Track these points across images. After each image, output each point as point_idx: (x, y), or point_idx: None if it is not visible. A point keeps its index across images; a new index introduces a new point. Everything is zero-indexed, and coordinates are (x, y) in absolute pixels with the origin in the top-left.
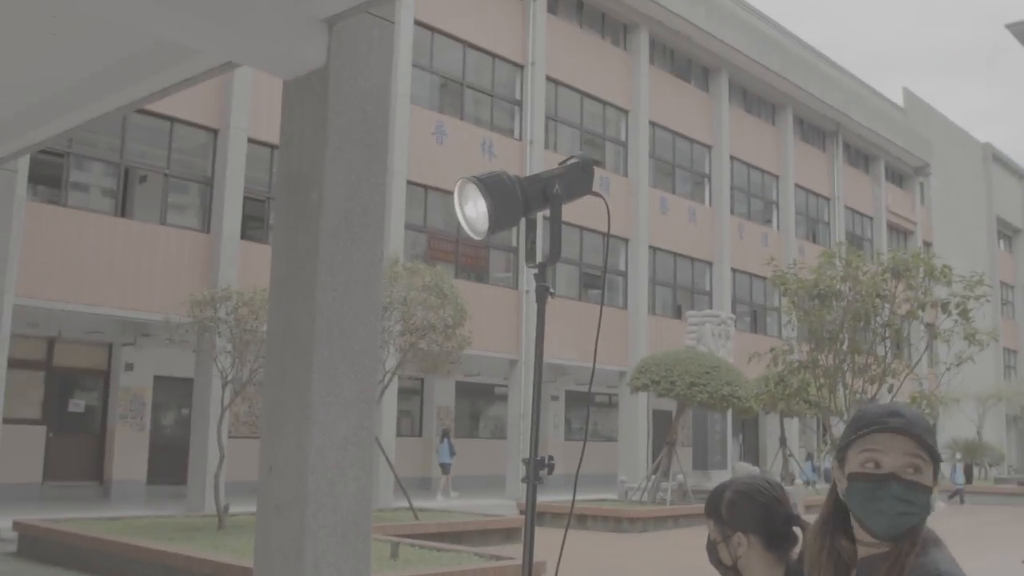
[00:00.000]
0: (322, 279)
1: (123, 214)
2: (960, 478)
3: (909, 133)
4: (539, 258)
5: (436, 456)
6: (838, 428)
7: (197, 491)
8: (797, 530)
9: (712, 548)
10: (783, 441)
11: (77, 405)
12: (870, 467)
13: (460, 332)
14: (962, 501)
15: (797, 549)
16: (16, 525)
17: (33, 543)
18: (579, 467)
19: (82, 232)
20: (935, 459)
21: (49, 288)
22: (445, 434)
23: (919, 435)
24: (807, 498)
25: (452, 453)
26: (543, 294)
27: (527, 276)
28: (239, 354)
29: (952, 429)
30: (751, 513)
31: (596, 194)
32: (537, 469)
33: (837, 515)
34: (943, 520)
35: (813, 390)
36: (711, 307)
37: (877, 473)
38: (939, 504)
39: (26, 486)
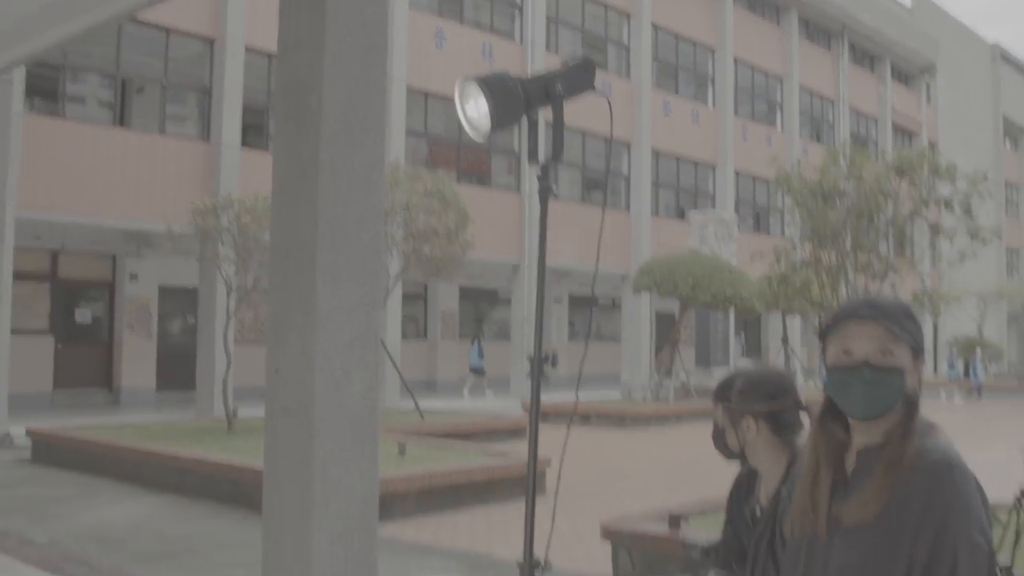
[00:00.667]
0: (324, 185)
1: (121, 124)
2: (980, 374)
3: (916, 32)
4: (541, 158)
5: (468, 359)
6: None
7: (205, 397)
8: (804, 417)
9: (719, 434)
10: (785, 339)
11: (83, 316)
12: (843, 357)
13: (463, 237)
14: (980, 396)
15: (804, 435)
16: (29, 432)
17: (47, 449)
18: (582, 364)
19: (81, 144)
20: (911, 342)
21: (50, 200)
22: (475, 338)
23: (886, 322)
24: (808, 395)
25: (481, 356)
26: (546, 194)
27: (529, 180)
28: (243, 262)
29: (953, 327)
30: (760, 399)
31: (598, 91)
32: (541, 364)
33: (833, 406)
34: (946, 414)
35: (815, 288)
36: (714, 208)
37: (849, 362)
38: (957, 400)
39: (37, 395)
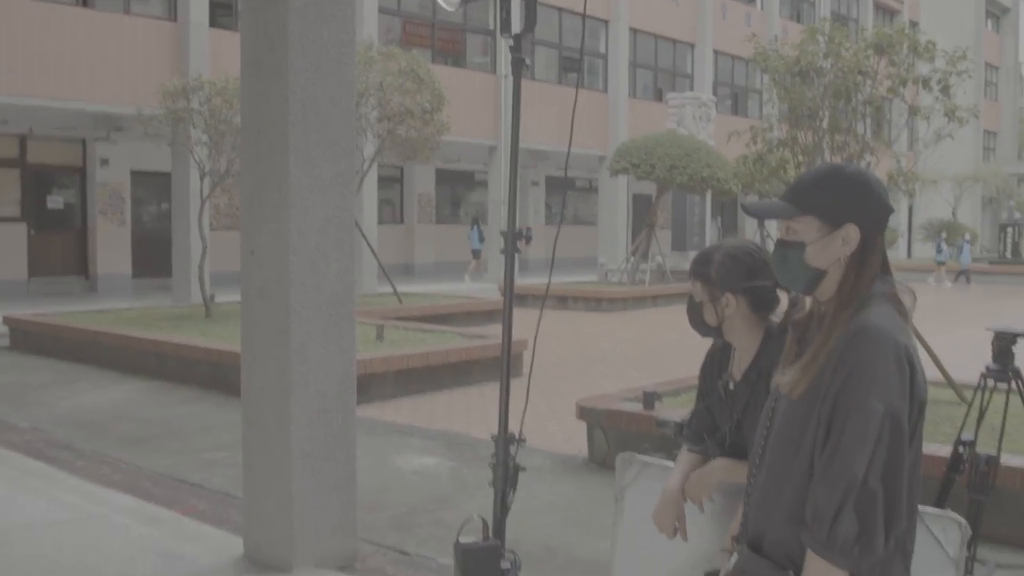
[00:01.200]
0: (293, 60)
1: (84, 3)
2: (967, 258)
3: None
4: (514, 29)
5: (468, 242)
6: None
7: (182, 283)
8: (780, 294)
9: (696, 309)
10: (761, 221)
11: (56, 202)
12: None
13: (438, 118)
14: (968, 281)
15: (780, 310)
16: (7, 320)
17: (25, 336)
18: (555, 245)
19: (44, 24)
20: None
21: (14, 83)
22: (475, 221)
23: (789, 197)
24: None
25: (481, 239)
26: (519, 66)
27: (505, 60)
28: (215, 145)
29: (929, 210)
30: (740, 275)
31: None
32: (515, 240)
33: None
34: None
35: (792, 168)
36: (692, 90)
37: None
38: (946, 284)
39: (12, 283)
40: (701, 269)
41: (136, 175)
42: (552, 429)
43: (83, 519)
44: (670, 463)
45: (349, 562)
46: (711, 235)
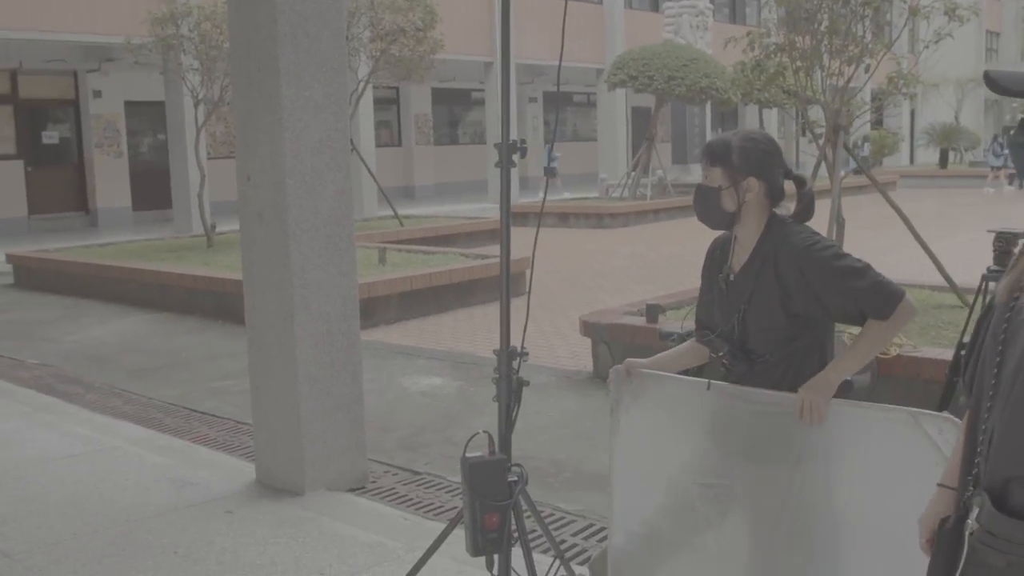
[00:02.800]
0: None
1: None
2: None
3: None
4: None
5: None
6: (814, 113)
7: (182, 213)
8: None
9: (713, 195)
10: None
11: (51, 137)
12: None
13: (431, 35)
14: (1011, 183)
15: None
16: (10, 257)
17: (28, 274)
18: (549, 159)
19: None
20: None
21: (1, 17)
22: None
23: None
24: None
25: (553, 158)
26: None
27: None
28: (207, 71)
29: (930, 114)
30: (761, 159)
31: None
32: (510, 152)
33: None
34: (913, 203)
35: (790, 75)
36: None
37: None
38: (1006, 188)
39: (13, 220)
40: (720, 155)
41: (130, 105)
42: (556, 346)
43: (97, 451)
44: (664, 373)
45: (360, 483)
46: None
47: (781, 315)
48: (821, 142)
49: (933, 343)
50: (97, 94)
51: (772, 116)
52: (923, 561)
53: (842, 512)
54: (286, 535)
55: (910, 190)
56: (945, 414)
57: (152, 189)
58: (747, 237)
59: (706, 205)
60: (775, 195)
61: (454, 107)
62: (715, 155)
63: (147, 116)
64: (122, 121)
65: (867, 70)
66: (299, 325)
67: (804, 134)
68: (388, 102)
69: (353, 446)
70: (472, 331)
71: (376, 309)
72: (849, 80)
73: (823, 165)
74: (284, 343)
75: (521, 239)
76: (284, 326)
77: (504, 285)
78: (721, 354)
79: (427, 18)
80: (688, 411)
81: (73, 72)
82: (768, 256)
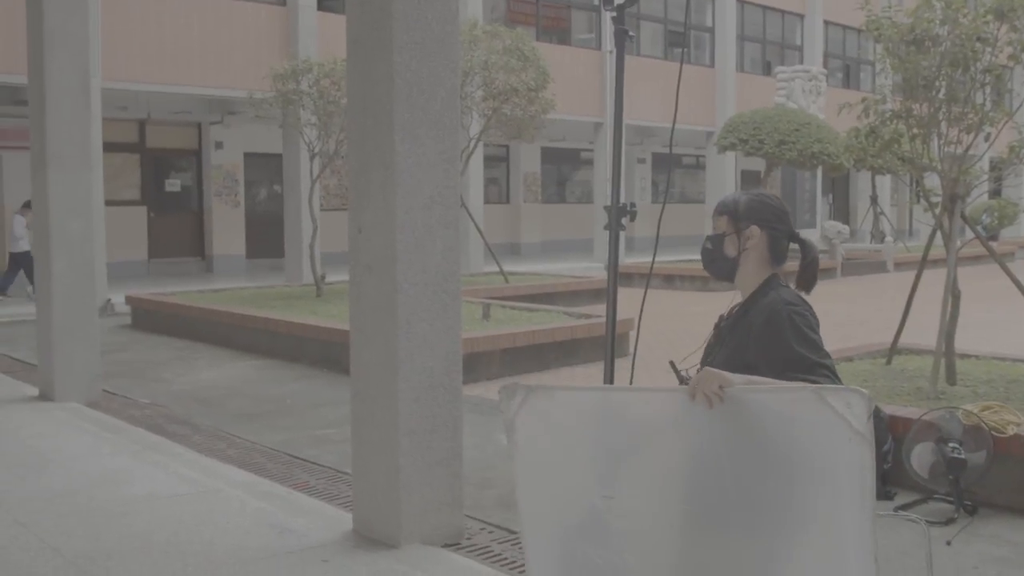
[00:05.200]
0: (398, 37)
1: None
2: None
3: None
4: (617, 0)
5: None
6: (930, 180)
7: (294, 262)
8: (794, 247)
9: (716, 242)
10: (874, 199)
11: (173, 185)
12: None
13: (543, 95)
14: None
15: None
16: (128, 299)
17: (145, 315)
18: (660, 221)
19: (158, 11)
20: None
21: (133, 70)
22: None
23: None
24: (896, 255)
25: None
26: (622, 37)
27: (609, 36)
28: (324, 126)
29: None
30: (766, 212)
31: None
32: (620, 215)
33: None
34: None
35: (906, 142)
36: (802, 62)
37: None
38: None
39: (133, 263)
40: (728, 207)
41: (249, 157)
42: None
43: (201, 492)
44: (553, 384)
45: (456, 539)
46: (822, 212)
47: (739, 363)
48: (937, 211)
49: None
50: (219, 145)
51: (885, 183)
52: (844, 536)
53: (760, 501)
54: None
55: None
56: (853, 387)
57: (266, 238)
58: (745, 289)
59: (710, 252)
60: (777, 253)
61: (563, 166)
62: (724, 206)
63: (265, 167)
64: (241, 172)
65: (987, 139)
66: (402, 378)
67: (918, 202)
68: (498, 160)
69: (450, 501)
70: None
71: (478, 364)
72: (968, 148)
73: (938, 235)
74: (387, 395)
75: (626, 299)
76: (388, 378)
77: (609, 345)
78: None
79: (539, 79)
80: (583, 421)
81: (197, 124)
82: (752, 308)
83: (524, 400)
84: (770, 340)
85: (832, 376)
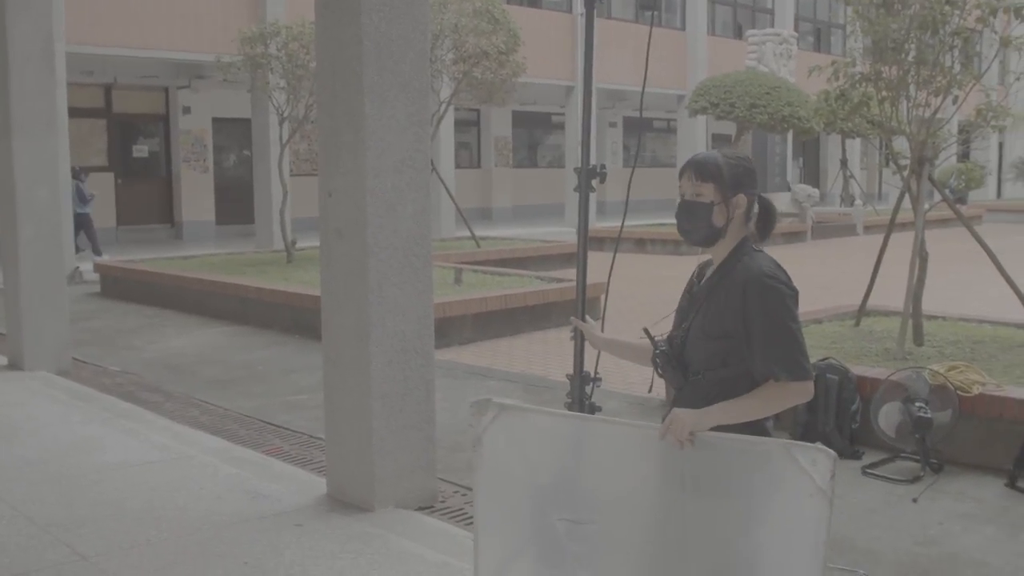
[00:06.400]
0: (366, 0)
1: None
2: None
3: None
4: None
5: None
6: (899, 144)
7: (264, 228)
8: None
9: (703, 211)
10: (844, 162)
11: (141, 151)
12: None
13: (514, 59)
14: None
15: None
16: (97, 267)
17: (114, 283)
18: (629, 185)
19: None
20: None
21: (98, 33)
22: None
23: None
24: (866, 218)
25: None
26: (591, 3)
27: None
28: (293, 90)
29: (1020, 147)
30: (746, 178)
31: None
32: (590, 177)
33: None
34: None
35: (875, 105)
36: (773, 26)
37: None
38: None
39: (102, 230)
40: (711, 171)
41: (217, 122)
42: (629, 372)
43: (173, 459)
44: (527, 405)
45: (429, 502)
46: (793, 175)
47: (718, 330)
48: (906, 174)
49: (1018, 382)
50: (186, 110)
51: (855, 146)
52: None
53: (717, 545)
54: (354, 550)
55: (996, 225)
56: (818, 444)
57: (236, 204)
58: (719, 254)
59: (695, 220)
60: (750, 216)
61: (534, 130)
62: (706, 171)
63: (233, 132)
64: (209, 137)
65: (955, 101)
66: (374, 342)
67: (888, 165)
68: (469, 124)
69: (423, 465)
70: (545, 354)
71: (450, 329)
72: (936, 111)
73: (907, 198)
74: (359, 360)
75: (597, 264)
76: (359, 343)
77: (580, 309)
78: (656, 352)
79: (510, 42)
80: (551, 445)
81: (165, 88)
82: (727, 273)
83: (495, 417)
84: (750, 313)
85: (801, 372)
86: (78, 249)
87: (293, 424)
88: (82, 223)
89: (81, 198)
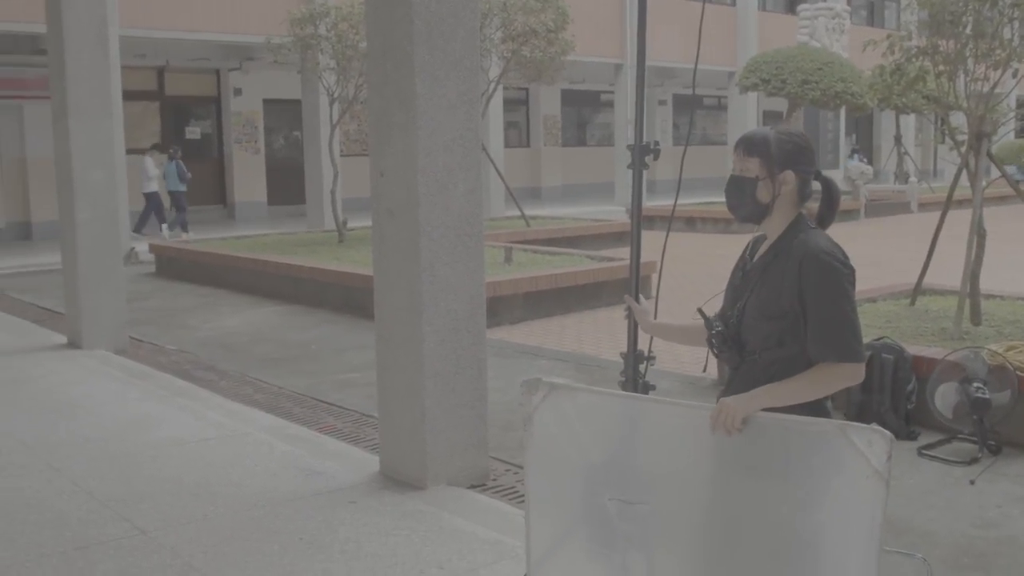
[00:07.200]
0: None
1: None
2: None
3: None
4: None
5: None
6: (956, 119)
7: (315, 209)
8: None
9: (748, 186)
10: (898, 139)
11: (193, 132)
12: None
13: (562, 37)
14: None
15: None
16: (152, 247)
17: (169, 263)
18: (682, 164)
19: None
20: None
21: (151, 17)
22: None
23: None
24: (921, 196)
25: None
26: None
27: None
28: (343, 71)
29: None
30: (798, 154)
31: None
32: (643, 154)
33: None
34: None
35: (932, 79)
36: (824, 0)
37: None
38: None
39: None
40: (759, 146)
41: (268, 103)
42: (681, 351)
43: (229, 436)
44: (577, 384)
45: (481, 480)
46: (845, 153)
47: (775, 309)
48: (963, 149)
49: None
50: (238, 92)
51: (910, 122)
52: (849, 569)
53: (772, 527)
54: (407, 527)
55: None
56: (874, 425)
57: (287, 184)
58: (772, 232)
59: (740, 195)
60: (805, 194)
61: (583, 109)
62: (753, 146)
63: (284, 114)
64: (260, 118)
65: (1015, 75)
66: (426, 321)
67: (944, 141)
68: (518, 103)
69: (476, 443)
70: (596, 333)
71: (501, 308)
72: (995, 86)
73: (964, 175)
74: (411, 338)
75: (648, 243)
76: (411, 321)
77: (634, 288)
78: (712, 332)
79: (559, 20)
80: (601, 424)
81: (216, 71)
82: (782, 251)
83: (545, 396)
84: (806, 290)
85: (851, 354)
86: (171, 227)
87: (346, 402)
88: (178, 200)
89: (181, 176)
